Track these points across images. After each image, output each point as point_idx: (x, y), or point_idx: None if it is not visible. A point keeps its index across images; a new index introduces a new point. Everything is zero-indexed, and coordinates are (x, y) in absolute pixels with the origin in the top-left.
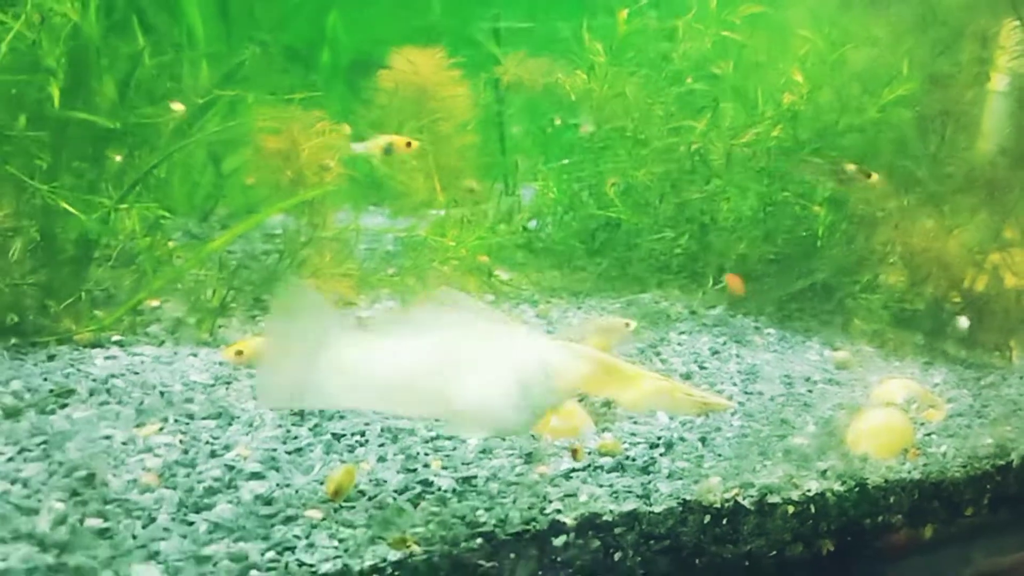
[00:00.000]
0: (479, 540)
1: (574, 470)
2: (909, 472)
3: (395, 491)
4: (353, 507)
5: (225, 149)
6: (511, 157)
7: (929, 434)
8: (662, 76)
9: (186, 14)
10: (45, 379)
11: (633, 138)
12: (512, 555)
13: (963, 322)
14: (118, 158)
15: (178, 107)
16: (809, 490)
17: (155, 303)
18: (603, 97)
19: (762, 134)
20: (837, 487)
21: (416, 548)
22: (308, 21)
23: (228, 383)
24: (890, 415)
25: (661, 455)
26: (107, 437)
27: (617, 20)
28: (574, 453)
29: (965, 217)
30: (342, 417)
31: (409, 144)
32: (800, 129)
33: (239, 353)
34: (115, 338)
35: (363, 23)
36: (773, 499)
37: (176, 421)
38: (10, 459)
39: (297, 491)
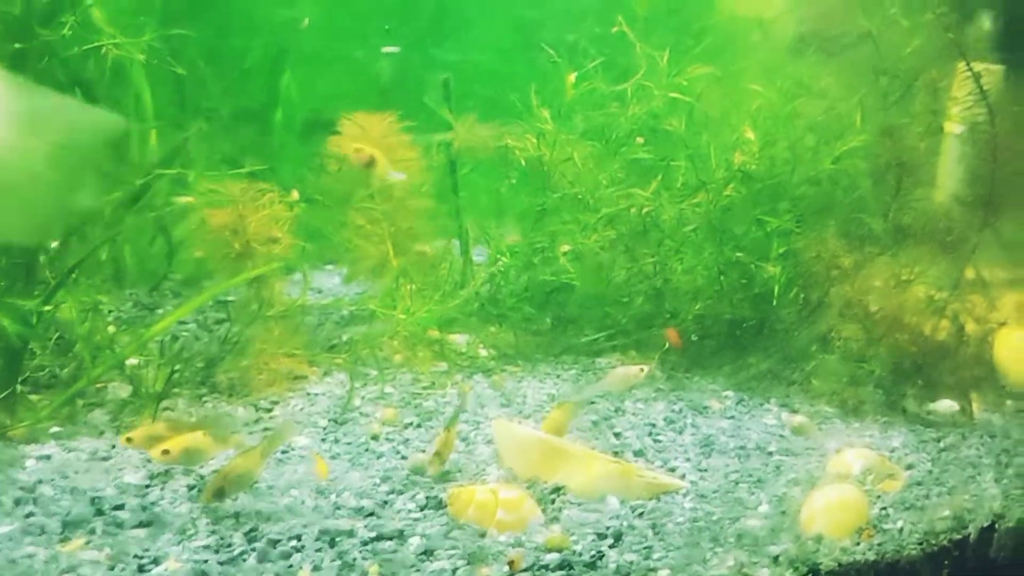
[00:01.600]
0: None
1: (518, 571)
2: (864, 553)
3: None
4: None
5: (175, 218)
6: (464, 221)
7: (885, 508)
8: (611, 138)
9: (134, 84)
10: None
11: (583, 203)
12: None
13: (945, 404)
14: (54, 244)
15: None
16: None
17: (100, 383)
18: (553, 162)
19: (714, 193)
20: (789, 575)
21: None
22: (261, 82)
23: (164, 482)
24: (845, 491)
25: (610, 547)
26: (29, 556)
27: (566, 83)
28: (511, 564)
29: (922, 267)
30: (280, 519)
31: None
32: (753, 185)
33: (166, 452)
34: (53, 429)
35: (317, 84)
36: None
37: (104, 532)
38: None
39: None
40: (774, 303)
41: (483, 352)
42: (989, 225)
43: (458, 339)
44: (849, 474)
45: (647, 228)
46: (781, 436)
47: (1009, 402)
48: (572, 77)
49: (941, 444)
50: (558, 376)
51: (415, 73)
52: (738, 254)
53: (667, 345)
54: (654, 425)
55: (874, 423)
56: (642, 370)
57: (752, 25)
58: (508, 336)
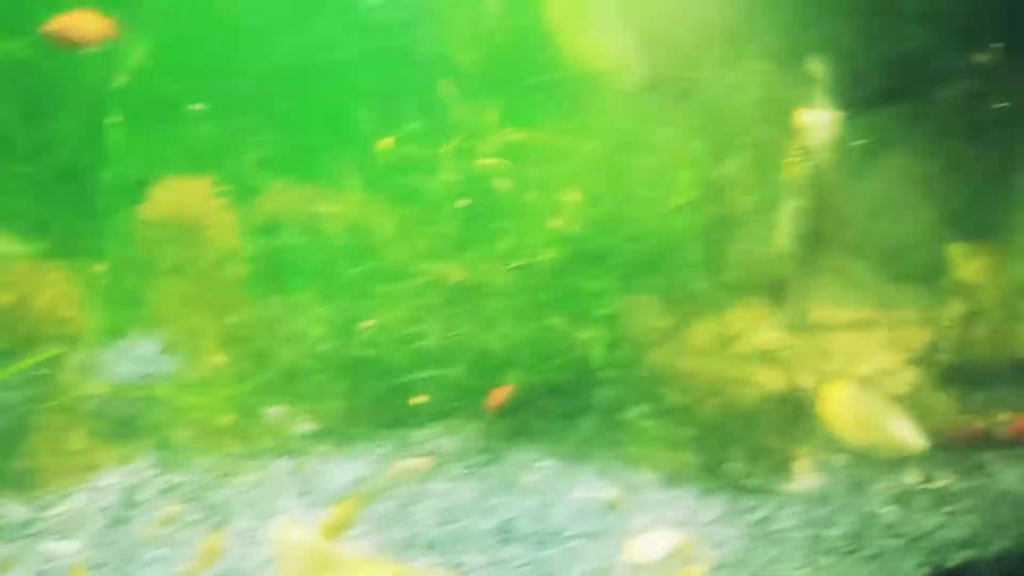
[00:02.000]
0: None
1: None
2: None
3: None
4: None
5: None
6: (282, 289)
7: None
8: (430, 202)
9: None
10: None
11: (397, 270)
12: None
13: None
14: None
15: None
16: None
17: None
18: (366, 228)
19: (532, 256)
20: None
21: None
22: (85, 143)
23: None
24: None
25: None
26: None
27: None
28: None
29: (751, 323)
30: None
31: None
32: (575, 247)
33: None
34: None
35: (146, 144)
36: None
37: None
38: None
39: None
40: (596, 367)
41: (295, 429)
42: (822, 273)
43: (270, 413)
44: (651, 560)
45: (464, 294)
46: (588, 513)
47: (835, 460)
48: (388, 141)
49: (756, 515)
50: (370, 454)
51: (236, 133)
52: (555, 318)
53: (487, 413)
54: (455, 509)
55: (692, 492)
56: (425, 463)
57: (593, 80)
58: (321, 412)
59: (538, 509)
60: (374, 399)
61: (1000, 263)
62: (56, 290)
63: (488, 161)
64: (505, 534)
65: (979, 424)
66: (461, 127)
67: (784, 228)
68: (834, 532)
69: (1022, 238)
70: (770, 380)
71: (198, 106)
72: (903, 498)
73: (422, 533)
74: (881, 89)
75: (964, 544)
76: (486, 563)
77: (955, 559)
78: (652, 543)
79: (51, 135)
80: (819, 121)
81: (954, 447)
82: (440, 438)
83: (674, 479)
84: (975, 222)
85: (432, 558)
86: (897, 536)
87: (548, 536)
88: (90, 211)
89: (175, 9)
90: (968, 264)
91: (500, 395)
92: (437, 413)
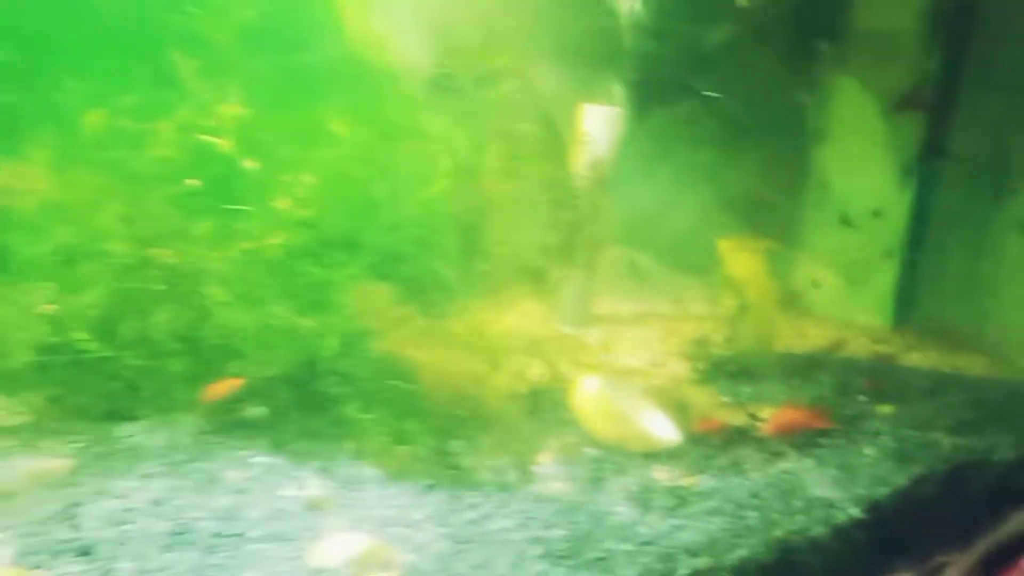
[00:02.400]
0: None
1: None
2: None
3: None
4: None
5: None
6: None
7: None
8: (143, 181)
9: None
10: None
11: (100, 252)
12: None
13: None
14: None
15: None
16: None
17: None
18: (64, 206)
19: (261, 239)
20: None
21: None
22: None
23: None
24: None
25: None
26: None
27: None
28: None
29: (503, 315)
30: None
31: None
32: (319, 231)
33: None
34: None
35: None
36: None
37: None
38: None
39: None
40: (326, 358)
41: None
42: (597, 266)
43: None
44: (330, 565)
45: (180, 279)
46: (287, 514)
47: (580, 455)
48: (102, 113)
49: (474, 514)
50: (59, 451)
51: None
52: (283, 307)
53: (203, 406)
54: (132, 511)
55: (413, 489)
56: (62, 465)
57: (363, 64)
58: (13, 404)
59: (230, 509)
60: (77, 391)
61: (768, 259)
62: None
63: (217, 139)
64: (178, 537)
65: (734, 418)
66: (191, 102)
67: (552, 221)
68: (557, 533)
69: (795, 233)
70: (522, 372)
71: None
72: (642, 497)
73: (83, 537)
74: (668, 87)
75: (699, 550)
76: (140, 570)
77: (686, 567)
78: (340, 546)
79: None
80: (601, 117)
81: (709, 443)
82: (147, 432)
83: (398, 475)
84: (755, 217)
85: (81, 565)
86: (625, 539)
87: (227, 539)
88: None
89: None
90: (737, 259)
91: (220, 388)
92: (148, 406)
